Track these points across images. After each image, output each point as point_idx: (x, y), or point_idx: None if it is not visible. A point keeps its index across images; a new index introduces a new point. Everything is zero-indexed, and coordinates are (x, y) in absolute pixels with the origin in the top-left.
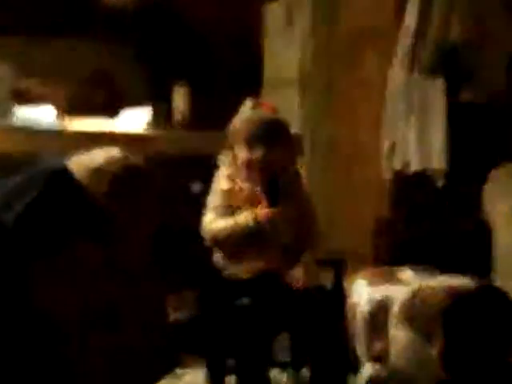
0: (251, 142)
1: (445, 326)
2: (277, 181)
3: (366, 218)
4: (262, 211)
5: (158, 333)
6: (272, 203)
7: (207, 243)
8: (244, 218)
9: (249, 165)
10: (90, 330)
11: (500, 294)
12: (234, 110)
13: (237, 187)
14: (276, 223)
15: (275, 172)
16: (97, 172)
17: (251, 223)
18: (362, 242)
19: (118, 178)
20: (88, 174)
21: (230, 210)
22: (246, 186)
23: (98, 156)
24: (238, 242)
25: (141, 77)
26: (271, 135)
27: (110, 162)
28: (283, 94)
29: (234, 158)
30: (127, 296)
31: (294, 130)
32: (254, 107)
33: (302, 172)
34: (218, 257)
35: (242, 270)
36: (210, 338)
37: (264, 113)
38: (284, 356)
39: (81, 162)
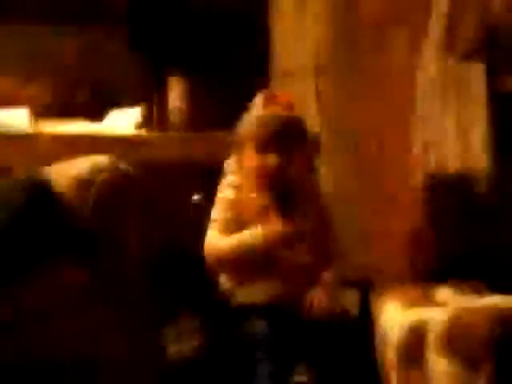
0: (263, 146)
1: (495, 354)
2: (290, 190)
3: (397, 230)
4: (273, 227)
5: (152, 370)
6: (285, 217)
7: (210, 264)
8: (252, 235)
9: (260, 173)
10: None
11: None
12: (241, 106)
13: (245, 198)
14: (289, 241)
15: (289, 180)
16: (80, 182)
17: (260, 242)
18: (392, 258)
19: (105, 188)
20: (70, 184)
21: (236, 224)
22: (255, 196)
23: (82, 164)
24: (245, 264)
25: (131, 70)
26: (287, 139)
27: (96, 170)
28: (296, 85)
29: (243, 164)
30: (114, 334)
31: (311, 128)
32: (266, 103)
33: (320, 177)
34: (223, 280)
35: (252, 294)
36: (219, 371)
37: (278, 110)
38: None
39: (62, 172)
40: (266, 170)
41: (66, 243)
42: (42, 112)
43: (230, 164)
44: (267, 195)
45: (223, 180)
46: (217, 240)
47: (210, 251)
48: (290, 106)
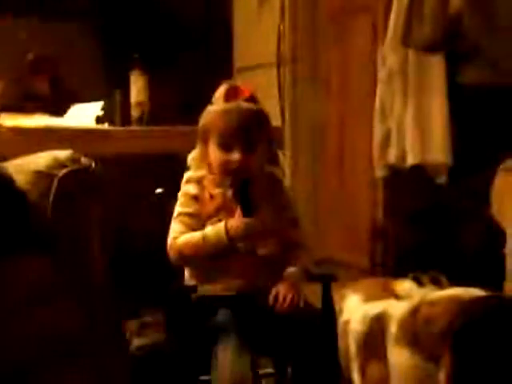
0: (226, 139)
1: (453, 346)
2: (253, 184)
3: (359, 222)
4: (235, 223)
5: (117, 363)
6: (246, 211)
7: (172, 259)
8: (214, 231)
9: (223, 167)
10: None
11: None
12: (204, 99)
13: (207, 193)
14: (253, 235)
15: (252, 174)
16: (41, 177)
17: (222, 238)
18: (353, 251)
19: (65, 183)
20: (31, 179)
21: (199, 219)
22: (217, 191)
23: (43, 158)
24: (208, 258)
25: (93, 65)
26: (249, 131)
27: (56, 165)
28: (258, 78)
29: (205, 158)
30: (80, 323)
31: (272, 122)
32: (228, 95)
33: (284, 170)
34: (187, 273)
35: (215, 288)
36: (182, 363)
37: (241, 103)
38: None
39: (22, 166)
40: (229, 165)
41: (27, 238)
42: (2, 106)
43: (192, 158)
44: (230, 189)
45: (186, 174)
46: (179, 235)
47: (173, 246)
48: (253, 98)
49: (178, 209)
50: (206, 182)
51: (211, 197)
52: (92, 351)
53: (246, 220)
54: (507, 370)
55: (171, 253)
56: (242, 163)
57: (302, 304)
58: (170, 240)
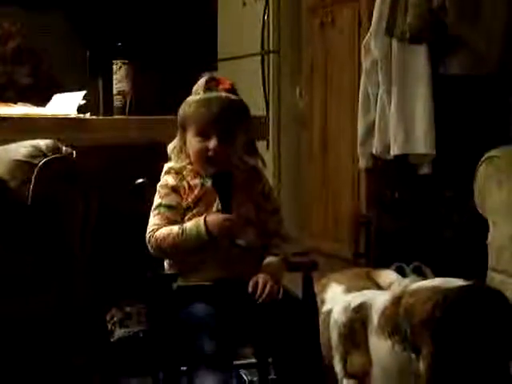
0: (204, 128)
1: (433, 336)
2: (233, 175)
3: (342, 213)
4: (214, 218)
5: (94, 352)
6: (226, 206)
7: (152, 251)
8: (193, 226)
9: (199, 155)
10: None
11: (496, 295)
12: (188, 88)
13: (185, 184)
14: (233, 226)
15: (231, 164)
16: (20, 166)
17: (202, 233)
18: (336, 241)
19: (46, 171)
20: (11, 168)
21: (177, 211)
22: (196, 182)
23: (23, 147)
24: (186, 252)
25: (76, 55)
26: (228, 121)
27: (36, 153)
28: (242, 69)
29: (184, 148)
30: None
31: (257, 111)
32: (207, 86)
33: (263, 159)
34: (167, 265)
35: (195, 279)
36: (163, 353)
37: (220, 93)
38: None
39: (2, 155)
40: (205, 152)
41: (5, 225)
42: None
43: (172, 149)
44: (208, 180)
45: (166, 165)
46: (158, 228)
47: (151, 239)
48: (233, 90)
49: (156, 201)
50: (185, 173)
51: (190, 187)
52: (71, 340)
53: (225, 216)
54: (486, 358)
55: (150, 246)
56: (219, 151)
57: (281, 295)
58: (148, 233)
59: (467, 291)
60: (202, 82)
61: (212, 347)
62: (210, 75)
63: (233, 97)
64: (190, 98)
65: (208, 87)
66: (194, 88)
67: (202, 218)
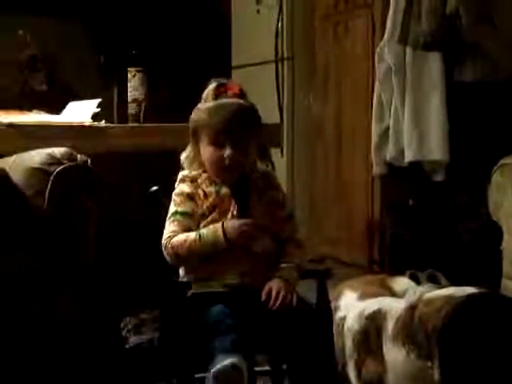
0: (217, 135)
1: (440, 344)
2: (247, 181)
3: (356, 219)
4: (232, 224)
5: (112, 361)
6: (243, 211)
7: (168, 258)
8: (211, 232)
9: (216, 164)
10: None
11: (508, 303)
12: (200, 96)
13: (201, 191)
14: (248, 233)
15: (245, 171)
16: (35, 173)
17: (220, 239)
18: (350, 248)
19: (61, 179)
20: (27, 175)
21: (193, 218)
22: (211, 189)
23: (38, 155)
24: (202, 258)
25: (91, 63)
26: (240, 126)
27: (51, 161)
28: (256, 76)
29: (197, 156)
30: (71, 320)
31: (271, 118)
32: (217, 92)
33: (279, 167)
34: (182, 272)
35: (211, 286)
36: (177, 360)
37: (231, 99)
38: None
39: (17, 163)
40: (222, 161)
41: (21, 233)
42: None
43: (185, 157)
44: (224, 187)
45: (180, 173)
46: (175, 235)
47: (168, 246)
48: (242, 94)
49: (172, 209)
50: (200, 181)
51: (205, 195)
52: (86, 347)
53: (243, 221)
54: (497, 367)
55: (166, 253)
56: (234, 159)
57: (294, 302)
58: (164, 240)
59: (476, 300)
60: (210, 88)
61: (229, 341)
62: (219, 81)
63: (243, 102)
64: (201, 106)
65: (217, 93)
66: (204, 95)
67: (220, 223)
